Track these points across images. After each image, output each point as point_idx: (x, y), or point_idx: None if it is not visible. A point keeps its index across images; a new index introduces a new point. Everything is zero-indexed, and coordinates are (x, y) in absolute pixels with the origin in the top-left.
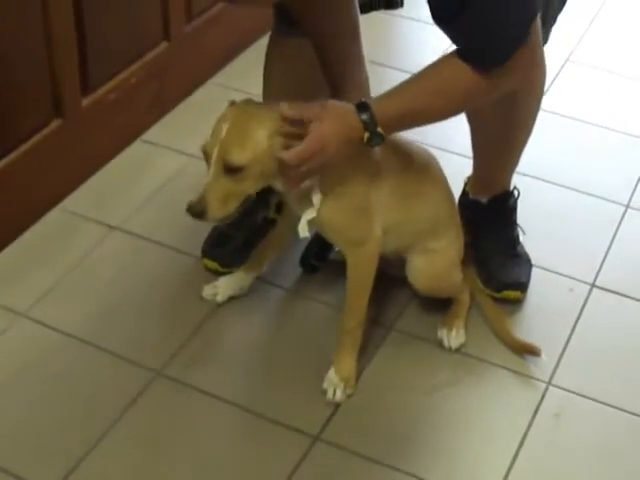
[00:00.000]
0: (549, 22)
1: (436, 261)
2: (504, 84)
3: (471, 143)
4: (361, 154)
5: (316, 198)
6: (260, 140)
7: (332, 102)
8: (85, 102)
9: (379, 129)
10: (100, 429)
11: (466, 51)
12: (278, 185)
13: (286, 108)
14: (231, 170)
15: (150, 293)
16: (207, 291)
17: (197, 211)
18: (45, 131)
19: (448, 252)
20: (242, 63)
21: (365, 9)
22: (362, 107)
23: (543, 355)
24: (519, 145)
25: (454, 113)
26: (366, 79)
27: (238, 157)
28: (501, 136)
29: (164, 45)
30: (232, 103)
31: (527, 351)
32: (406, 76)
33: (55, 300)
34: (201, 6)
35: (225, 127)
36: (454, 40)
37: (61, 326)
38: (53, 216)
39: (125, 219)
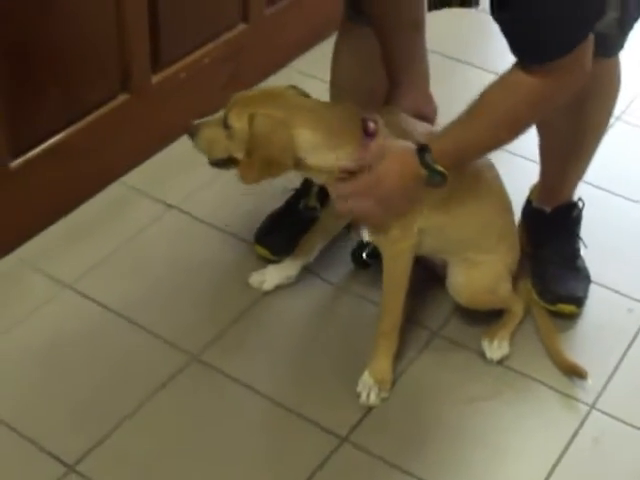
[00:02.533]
0: (626, 27)
1: (479, 275)
2: (565, 87)
3: (539, 150)
4: None
5: None
6: (246, 127)
7: (390, 143)
8: (155, 79)
9: (438, 167)
10: (129, 407)
11: (521, 46)
12: (317, 179)
13: (344, 162)
14: (225, 123)
15: (198, 275)
16: (254, 278)
17: (189, 131)
18: (112, 104)
19: (494, 266)
20: (323, 50)
21: (439, 5)
22: (422, 147)
23: (589, 380)
24: (588, 154)
25: (523, 130)
26: (426, 76)
27: (231, 117)
28: (570, 144)
29: (242, 27)
30: (292, 87)
31: (574, 372)
32: (480, 73)
33: (102, 274)
34: None
35: (256, 94)
36: (508, 34)
37: (104, 300)
38: (113, 190)
39: (184, 198)
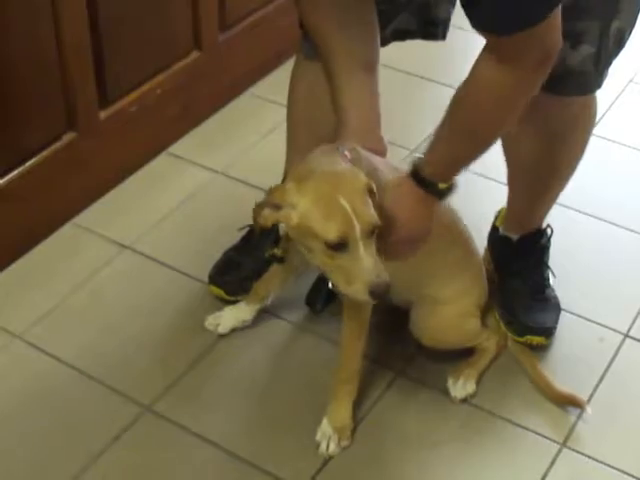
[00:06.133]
0: (602, 65)
1: (442, 313)
2: (536, 73)
3: (507, 180)
4: None
5: None
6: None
7: (393, 186)
8: (103, 115)
9: (440, 184)
10: (80, 464)
11: (487, 22)
12: None
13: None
14: (374, 232)
15: (152, 320)
16: (209, 321)
17: (383, 290)
18: (57, 144)
19: (458, 302)
20: (282, 74)
21: (401, 36)
22: (414, 173)
23: (588, 408)
24: (560, 186)
25: (504, 125)
26: (376, 119)
27: (376, 216)
28: (539, 180)
29: (195, 54)
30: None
31: (571, 403)
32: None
33: (53, 323)
34: (237, 14)
35: (343, 202)
36: (476, 22)
37: (54, 351)
38: (65, 232)
39: (138, 238)
